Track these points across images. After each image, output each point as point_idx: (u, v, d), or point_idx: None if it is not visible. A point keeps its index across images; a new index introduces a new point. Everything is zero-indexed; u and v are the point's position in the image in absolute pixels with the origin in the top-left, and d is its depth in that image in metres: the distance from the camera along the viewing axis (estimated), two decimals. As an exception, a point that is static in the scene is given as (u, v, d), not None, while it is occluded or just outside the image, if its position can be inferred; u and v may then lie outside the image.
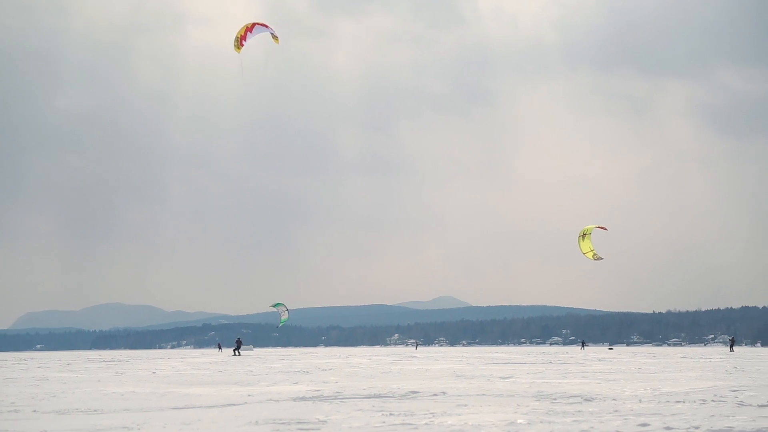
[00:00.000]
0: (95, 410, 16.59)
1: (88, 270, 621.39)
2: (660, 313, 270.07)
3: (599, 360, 51.48)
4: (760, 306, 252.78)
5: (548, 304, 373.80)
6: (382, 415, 14.86)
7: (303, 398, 18.78)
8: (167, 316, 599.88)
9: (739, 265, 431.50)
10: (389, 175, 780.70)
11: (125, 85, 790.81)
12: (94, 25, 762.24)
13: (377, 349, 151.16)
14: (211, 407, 16.89)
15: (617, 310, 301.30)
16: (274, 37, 35.61)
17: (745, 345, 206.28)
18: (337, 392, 20.58)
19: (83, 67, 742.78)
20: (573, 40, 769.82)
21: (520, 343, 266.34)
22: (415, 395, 19.36)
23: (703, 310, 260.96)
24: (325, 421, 13.92)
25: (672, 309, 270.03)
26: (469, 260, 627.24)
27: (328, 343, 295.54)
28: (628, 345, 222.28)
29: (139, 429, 13.19)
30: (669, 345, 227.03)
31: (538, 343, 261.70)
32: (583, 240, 43.13)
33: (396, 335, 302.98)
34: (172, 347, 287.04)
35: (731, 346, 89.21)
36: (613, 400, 17.65)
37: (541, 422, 13.55)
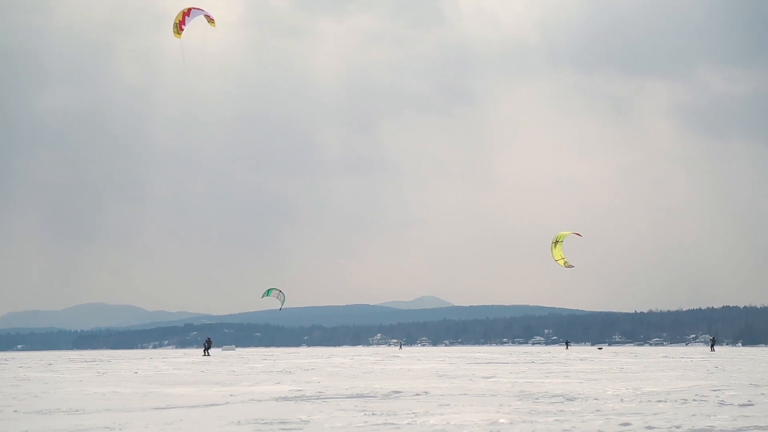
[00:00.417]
0: (77, 410, 16.53)
1: (70, 270, 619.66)
2: (642, 312, 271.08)
3: (581, 360, 51.63)
4: (741, 306, 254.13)
5: (530, 303, 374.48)
6: (365, 414, 14.86)
7: (285, 398, 18.77)
8: (149, 316, 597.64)
9: (721, 265, 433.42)
10: (371, 175, 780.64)
11: (107, 84, 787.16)
12: (76, 24, 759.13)
13: (360, 349, 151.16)
14: (193, 407, 16.85)
15: (599, 310, 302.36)
16: (210, 20, 35.43)
17: (727, 345, 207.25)
18: (320, 392, 20.57)
19: (65, 66, 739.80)
20: (555, 40, 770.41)
21: (502, 343, 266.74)
22: (397, 395, 19.37)
23: (684, 310, 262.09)
24: (308, 421, 13.91)
25: (654, 309, 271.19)
26: (451, 260, 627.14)
27: (310, 343, 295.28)
28: (610, 345, 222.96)
29: (120, 429, 13.15)
30: (651, 345, 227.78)
31: (520, 343, 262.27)
32: (555, 247, 43.37)
33: (378, 335, 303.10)
34: (154, 347, 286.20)
35: (712, 346, 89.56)
36: (595, 399, 17.70)
37: (523, 422, 13.57)
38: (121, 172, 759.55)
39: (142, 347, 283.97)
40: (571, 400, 17.64)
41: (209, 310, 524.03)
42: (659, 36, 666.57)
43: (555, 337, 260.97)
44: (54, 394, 21.32)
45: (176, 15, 35.07)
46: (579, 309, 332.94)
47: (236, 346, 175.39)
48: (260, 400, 18.29)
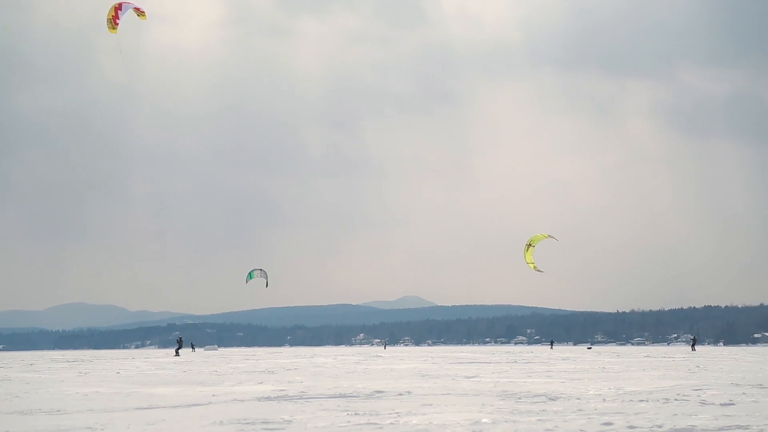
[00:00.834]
0: (58, 411, 16.47)
1: (51, 269, 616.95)
2: (624, 312, 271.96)
3: (563, 359, 51.74)
4: (723, 305, 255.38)
5: (513, 303, 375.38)
6: (348, 414, 14.86)
7: (268, 398, 18.74)
8: (131, 316, 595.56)
9: (703, 264, 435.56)
10: (354, 175, 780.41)
11: (88, 84, 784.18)
12: (57, 23, 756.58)
13: (342, 349, 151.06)
14: (175, 407, 16.81)
15: (581, 310, 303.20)
16: (141, 13, 35.27)
17: (708, 344, 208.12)
18: (302, 392, 20.55)
19: (45, 65, 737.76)
20: (537, 41, 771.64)
21: (485, 343, 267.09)
22: (380, 395, 19.37)
23: (666, 309, 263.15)
24: (290, 421, 13.90)
25: (636, 308, 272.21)
26: (434, 260, 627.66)
27: (293, 343, 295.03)
28: (593, 344, 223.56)
29: (102, 429, 13.11)
30: (633, 344, 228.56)
31: (503, 343, 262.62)
32: (527, 250, 43.45)
33: (361, 335, 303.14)
34: (137, 347, 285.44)
35: (693, 346, 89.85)
36: (577, 399, 17.74)
37: (505, 421, 13.59)
38: (103, 171, 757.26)
39: (125, 347, 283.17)
40: (554, 399, 17.68)
41: (192, 309, 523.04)
42: (641, 37, 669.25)
43: (537, 337, 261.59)
44: (35, 395, 21.24)
45: (108, 11, 34.80)
46: (561, 309, 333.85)
47: (219, 346, 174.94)
48: (243, 400, 18.26)
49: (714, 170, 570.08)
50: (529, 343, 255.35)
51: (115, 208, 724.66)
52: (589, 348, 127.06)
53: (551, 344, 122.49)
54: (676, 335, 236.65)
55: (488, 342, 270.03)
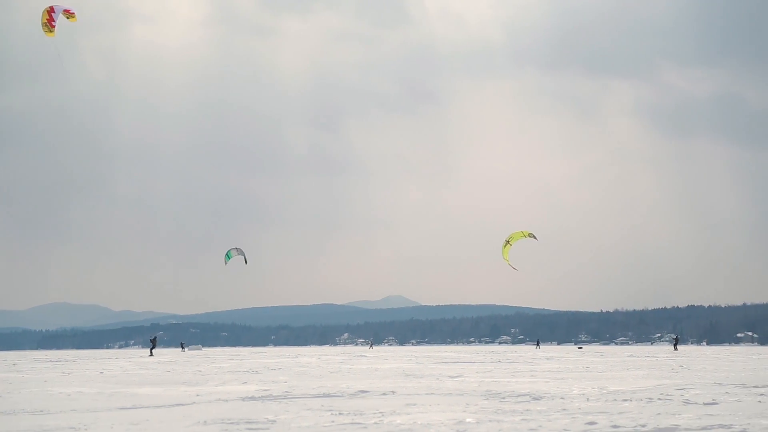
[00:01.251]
0: (41, 411, 16.40)
1: (34, 269, 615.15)
2: (607, 312, 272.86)
3: (547, 359, 51.82)
4: (706, 305, 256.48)
5: (497, 303, 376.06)
6: (332, 414, 14.84)
7: (252, 398, 18.71)
8: (115, 316, 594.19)
9: (686, 264, 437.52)
10: (337, 174, 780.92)
11: (69, 83, 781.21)
12: (37, 22, 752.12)
13: (327, 349, 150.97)
14: (159, 407, 16.77)
15: (565, 309, 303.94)
16: (71, 15, 35.12)
17: (691, 344, 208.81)
18: (287, 392, 20.52)
19: (26, 64, 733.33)
20: (520, 40, 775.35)
21: (469, 342, 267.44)
22: (364, 394, 19.36)
23: (649, 309, 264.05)
24: (274, 421, 13.88)
25: (619, 308, 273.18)
26: (418, 259, 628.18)
27: (277, 343, 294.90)
28: (575, 344, 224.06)
29: (86, 429, 13.07)
30: (616, 344, 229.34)
31: (487, 342, 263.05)
32: (505, 246, 43.51)
33: (346, 335, 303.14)
34: (120, 347, 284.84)
35: (675, 345, 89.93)
36: (561, 398, 17.77)
37: (489, 421, 13.60)
38: (86, 170, 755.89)
39: (108, 347, 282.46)
40: (538, 399, 17.70)
41: (175, 309, 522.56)
42: (624, 37, 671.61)
43: (521, 337, 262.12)
44: (18, 395, 21.14)
45: (41, 14, 34.66)
46: (545, 308, 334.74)
47: (203, 346, 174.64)
48: (227, 400, 18.23)
49: (696, 170, 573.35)
50: (514, 342, 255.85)
51: (98, 207, 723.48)
52: (580, 348, 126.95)
53: (537, 344, 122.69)
54: (659, 335, 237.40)
55: (472, 342, 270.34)
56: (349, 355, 68.87)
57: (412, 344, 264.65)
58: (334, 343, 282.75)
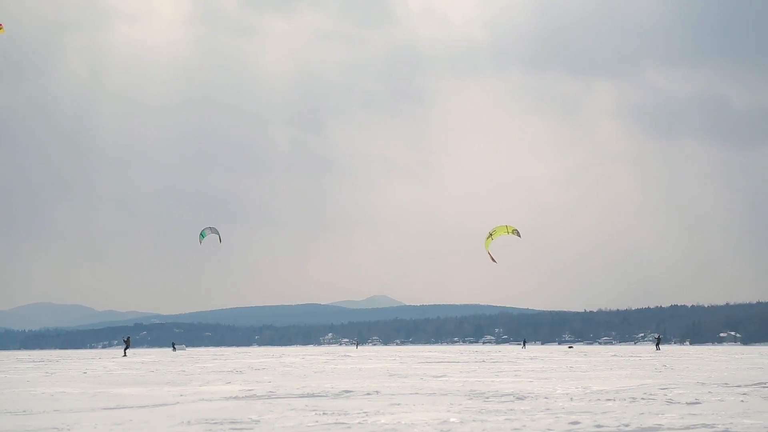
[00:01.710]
0: (24, 411, 16.34)
1: (17, 269, 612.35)
2: (591, 311, 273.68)
3: (531, 359, 51.92)
4: (689, 305, 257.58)
5: (481, 303, 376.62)
6: (316, 414, 14.83)
7: (236, 398, 18.68)
8: (98, 316, 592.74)
9: (669, 264, 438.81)
10: (321, 174, 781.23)
11: (51, 82, 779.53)
12: (19, 22, 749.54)
13: (311, 349, 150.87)
14: (142, 407, 16.73)
15: (549, 309, 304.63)
16: None
17: (674, 343, 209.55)
18: (271, 392, 20.50)
19: (8, 63, 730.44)
20: (503, 40, 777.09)
21: (453, 342, 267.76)
22: (348, 394, 19.36)
23: (633, 309, 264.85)
24: (258, 421, 13.86)
25: (603, 308, 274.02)
26: (402, 259, 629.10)
27: (261, 343, 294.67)
28: (559, 343, 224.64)
29: (69, 430, 13.02)
30: (600, 343, 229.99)
31: (471, 342, 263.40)
32: (487, 238, 43.56)
33: (330, 334, 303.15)
34: (104, 347, 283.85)
35: (657, 345, 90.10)
36: (545, 398, 17.80)
37: (473, 420, 13.62)
38: (68, 170, 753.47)
39: (92, 347, 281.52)
40: (522, 399, 17.73)
41: (159, 309, 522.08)
42: (607, 37, 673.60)
43: (505, 337, 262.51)
44: (1, 395, 21.06)
45: None
46: (529, 308, 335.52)
47: (186, 346, 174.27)
48: (210, 400, 18.19)
49: (680, 170, 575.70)
50: (498, 342, 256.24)
51: (81, 207, 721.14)
52: (570, 348, 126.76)
53: (523, 344, 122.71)
54: (642, 334, 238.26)
55: (456, 341, 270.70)
56: (333, 355, 68.86)
57: (397, 344, 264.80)
58: (318, 343, 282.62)
